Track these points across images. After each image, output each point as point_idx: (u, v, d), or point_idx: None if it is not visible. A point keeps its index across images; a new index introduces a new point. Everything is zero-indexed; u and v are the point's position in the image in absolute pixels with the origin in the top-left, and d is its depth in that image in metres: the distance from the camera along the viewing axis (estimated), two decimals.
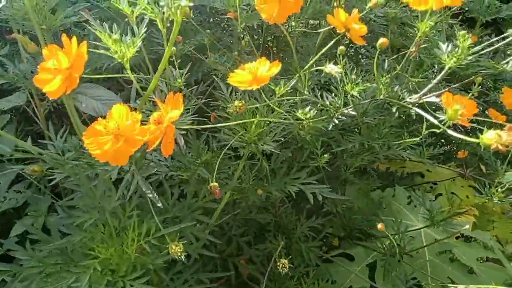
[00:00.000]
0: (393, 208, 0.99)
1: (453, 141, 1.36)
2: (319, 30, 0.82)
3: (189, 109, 0.68)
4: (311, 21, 1.10)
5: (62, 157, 0.62)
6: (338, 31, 0.54)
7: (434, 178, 1.43)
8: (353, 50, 1.40)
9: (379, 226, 0.62)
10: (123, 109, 0.44)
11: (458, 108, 0.42)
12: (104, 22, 1.00)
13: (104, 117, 0.45)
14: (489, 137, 0.34)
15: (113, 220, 0.54)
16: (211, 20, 1.27)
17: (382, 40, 0.52)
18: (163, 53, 0.51)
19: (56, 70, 0.48)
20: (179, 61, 0.97)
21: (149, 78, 0.74)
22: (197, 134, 0.80)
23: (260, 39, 1.16)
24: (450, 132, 0.40)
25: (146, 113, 0.65)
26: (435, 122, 0.44)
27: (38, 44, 0.67)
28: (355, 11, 0.53)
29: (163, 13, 0.48)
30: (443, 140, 1.30)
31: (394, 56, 1.19)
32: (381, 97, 0.62)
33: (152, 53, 1.14)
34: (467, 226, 0.69)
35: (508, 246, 1.25)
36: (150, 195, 0.49)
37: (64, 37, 0.50)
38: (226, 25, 1.30)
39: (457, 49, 0.73)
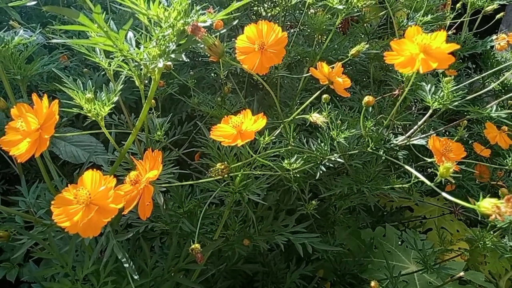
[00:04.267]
0: (384, 249, 0.96)
1: None
2: (301, 76, 0.82)
3: (170, 160, 0.65)
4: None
5: (33, 216, 0.57)
6: (321, 83, 0.53)
7: (423, 212, 1.41)
8: None
9: (372, 284, 0.59)
10: (95, 175, 0.40)
11: (449, 166, 0.40)
12: (85, 68, 0.98)
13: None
14: (487, 207, 0.32)
15: None
16: (195, 59, 1.27)
17: (367, 99, 0.51)
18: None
19: (25, 132, 0.45)
20: (161, 104, 0.95)
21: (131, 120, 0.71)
22: (180, 179, 0.77)
23: (245, 76, 1.15)
24: (444, 195, 0.38)
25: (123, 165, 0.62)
26: (426, 181, 0.42)
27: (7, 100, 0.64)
28: (338, 64, 0.52)
29: (141, 69, 0.46)
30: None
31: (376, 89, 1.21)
32: (368, 149, 0.60)
33: (133, 94, 1.12)
34: (462, 274, 0.66)
35: (502, 281, 1.23)
36: (126, 265, 0.45)
37: (34, 96, 0.47)
38: (210, 63, 1.30)
39: (440, 91, 0.74)
